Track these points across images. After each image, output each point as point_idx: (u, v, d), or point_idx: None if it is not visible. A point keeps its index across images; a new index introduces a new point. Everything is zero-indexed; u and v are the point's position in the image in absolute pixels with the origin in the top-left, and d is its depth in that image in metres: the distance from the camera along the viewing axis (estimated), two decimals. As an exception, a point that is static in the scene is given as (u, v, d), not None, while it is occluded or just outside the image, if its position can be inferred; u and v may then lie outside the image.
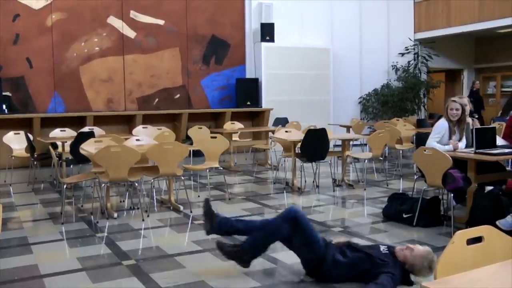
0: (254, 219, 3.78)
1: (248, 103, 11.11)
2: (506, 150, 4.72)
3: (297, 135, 7.16)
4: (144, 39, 10.53)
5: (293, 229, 3.40)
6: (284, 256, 3.86)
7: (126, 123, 10.06)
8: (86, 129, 7.67)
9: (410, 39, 13.27)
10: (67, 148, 6.77)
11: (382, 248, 3.47)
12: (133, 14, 10.38)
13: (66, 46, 9.83)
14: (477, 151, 4.64)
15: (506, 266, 1.73)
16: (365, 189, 6.88)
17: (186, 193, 5.93)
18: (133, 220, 5.26)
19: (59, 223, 5.09)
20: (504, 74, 14.39)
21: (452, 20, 12.55)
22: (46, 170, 7.84)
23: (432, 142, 5.05)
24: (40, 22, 9.57)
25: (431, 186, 4.95)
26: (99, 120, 9.33)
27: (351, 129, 9.83)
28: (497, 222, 4.19)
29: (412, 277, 3.31)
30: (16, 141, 7.56)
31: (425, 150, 4.76)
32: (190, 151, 7.77)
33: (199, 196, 6.47)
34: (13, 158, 7.37)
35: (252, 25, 11.51)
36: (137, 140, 6.06)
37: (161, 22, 10.67)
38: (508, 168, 5.57)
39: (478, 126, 5.42)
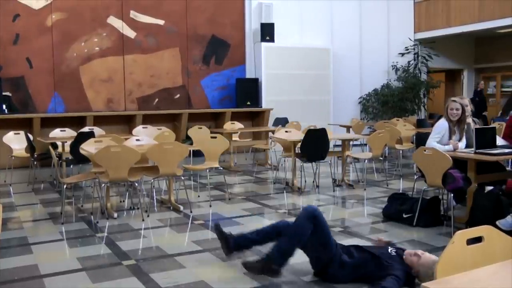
0: (265, 226, 3.79)
1: (248, 103, 11.11)
2: (506, 150, 4.72)
3: (297, 135, 7.16)
4: (144, 39, 10.53)
5: (314, 228, 3.37)
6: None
7: (126, 123, 10.07)
8: (86, 129, 7.67)
9: (410, 39, 13.27)
10: (67, 148, 6.77)
11: (390, 249, 3.46)
12: (133, 14, 10.39)
13: (66, 46, 9.83)
14: (477, 151, 4.64)
15: (506, 266, 1.73)
16: (365, 189, 6.88)
17: (186, 193, 5.93)
18: (133, 220, 5.26)
19: (59, 223, 5.09)
20: (504, 74, 14.39)
21: (452, 20, 12.55)
22: (46, 170, 7.84)
23: (432, 142, 5.05)
24: (40, 22, 9.58)
25: (431, 186, 4.95)
26: (99, 120, 9.33)
27: (351, 129, 9.83)
28: (497, 222, 4.19)
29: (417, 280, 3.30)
30: (16, 141, 7.56)
31: (425, 150, 4.76)
32: (190, 151, 7.77)
33: (199, 196, 6.47)
34: (13, 158, 7.37)
35: (252, 25, 11.51)
36: (137, 140, 6.06)
37: (161, 22, 10.67)
38: (508, 168, 5.57)
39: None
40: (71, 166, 7.06)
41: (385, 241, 3.78)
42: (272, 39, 11.26)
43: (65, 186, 5.47)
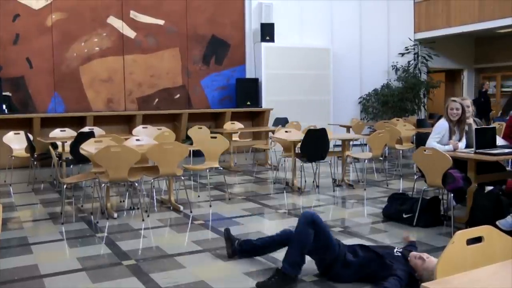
0: (270, 235, 3.90)
1: (248, 103, 11.11)
2: (506, 150, 4.72)
3: (297, 135, 7.16)
4: (144, 39, 10.53)
5: (315, 232, 3.39)
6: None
7: (126, 123, 10.06)
8: (86, 129, 7.67)
9: (410, 39, 13.27)
10: (67, 148, 6.77)
11: (395, 250, 3.47)
12: (133, 14, 10.39)
13: (66, 46, 9.83)
14: (477, 151, 4.64)
15: (506, 266, 1.73)
16: (365, 189, 6.88)
17: (186, 193, 5.92)
18: (133, 220, 5.26)
19: (59, 223, 5.09)
20: (504, 74, 14.39)
21: (452, 20, 12.55)
22: (46, 170, 7.83)
23: (432, 142, 5.05)
24: (40, 22, 9.57)
25: (431, 186, 4.95)
26: (99, 120, 9.33)
27: (351, 129, 9.83)
28: (497, 222, 4.18)
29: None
30: (16, 141, 7.56)
31: (425, 150, 4.76)
32: (190, 151, 7.77)
33: (199, 196, 6.47)
34: (13, 158, 7.36)
35: (252, 25, 11.51)
36: (137, 140, 6.06)
37: (161, 22, 10.67)
38: (508, 168, 5.57)
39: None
40: (71, 166, 7.07)
41: (410, 240, 3.85)
42: (272, 39, 11.26)
43: (65, 186, 5.47)
